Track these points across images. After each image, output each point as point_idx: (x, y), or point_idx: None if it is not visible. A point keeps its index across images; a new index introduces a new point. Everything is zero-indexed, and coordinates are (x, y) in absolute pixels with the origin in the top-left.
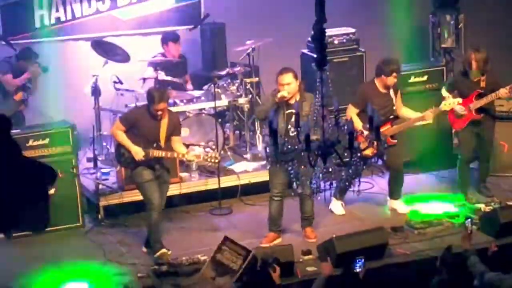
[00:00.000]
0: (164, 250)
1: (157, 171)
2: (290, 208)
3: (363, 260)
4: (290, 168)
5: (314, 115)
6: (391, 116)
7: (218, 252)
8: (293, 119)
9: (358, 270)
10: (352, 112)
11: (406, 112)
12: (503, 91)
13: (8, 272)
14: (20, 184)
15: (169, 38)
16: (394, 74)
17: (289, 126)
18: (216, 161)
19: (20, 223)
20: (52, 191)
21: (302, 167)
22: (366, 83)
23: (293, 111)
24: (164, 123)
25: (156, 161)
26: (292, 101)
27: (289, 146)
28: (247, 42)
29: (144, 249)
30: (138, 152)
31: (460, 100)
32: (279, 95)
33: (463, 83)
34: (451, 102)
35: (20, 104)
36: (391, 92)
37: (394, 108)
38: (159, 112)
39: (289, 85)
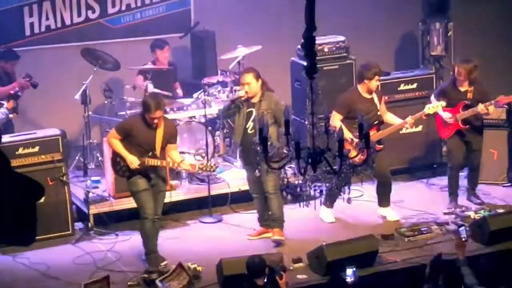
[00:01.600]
0: (165, 262)
1: (152, 179)
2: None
3: (354, 269)
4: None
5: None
6: (376, 122)
7: None
8: (252, 117)
9: (349, 279)
10: (336, 118)
11: (390, 117)
12: (481, 107)
13: None
14: (6, 199)
15: (156, 46)
16: (376, 77)
17: (248, 125)
18: (212, 170)
19: (5, 237)
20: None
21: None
22: (349, 90)
23: (253, 109)
24: (160, 132)
25: (151, 170)
26: (254, 100)
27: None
28: (238, 47)
29: (144, 257)
30: (133, 161)
31: (443, 103)
32: (236, 94)
33: (452, 92)
34: (434, 106)
35: (12, 113)
36: (375, 97)
37: (379, 113)
38: (155, 121)
39: (249, 85)
